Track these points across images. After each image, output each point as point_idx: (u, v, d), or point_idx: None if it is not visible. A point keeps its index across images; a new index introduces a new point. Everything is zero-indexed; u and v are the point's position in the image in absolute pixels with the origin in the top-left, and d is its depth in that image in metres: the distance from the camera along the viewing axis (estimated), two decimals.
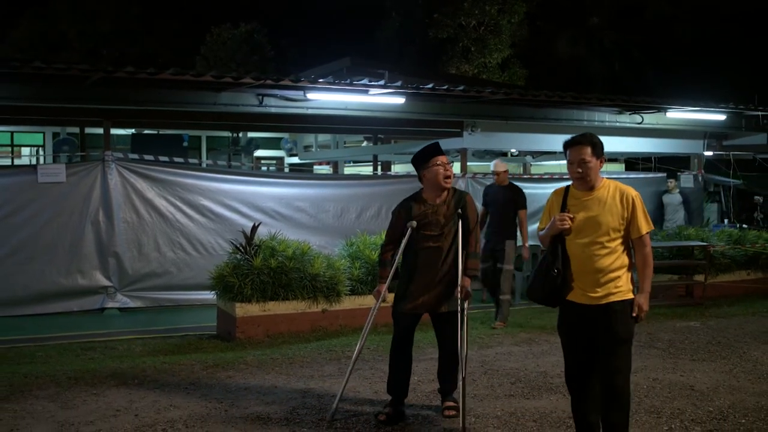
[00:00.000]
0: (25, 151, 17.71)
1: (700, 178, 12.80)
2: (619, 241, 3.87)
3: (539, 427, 4.59)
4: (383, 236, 8.36)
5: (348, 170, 17.37)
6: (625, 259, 3.89)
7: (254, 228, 7.42)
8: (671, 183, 12.71)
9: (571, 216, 3.90)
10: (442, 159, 4.75)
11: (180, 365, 6.07)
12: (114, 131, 13.76)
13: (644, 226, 3.90)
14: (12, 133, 16.34)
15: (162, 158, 9.15)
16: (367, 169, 17.24)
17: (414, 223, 4.71)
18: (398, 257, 4.83)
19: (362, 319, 7.51)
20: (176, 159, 9.38)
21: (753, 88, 15.75)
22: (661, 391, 5.35)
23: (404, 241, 4.76)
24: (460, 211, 4.73)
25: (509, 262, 7.76)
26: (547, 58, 28.22)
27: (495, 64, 25.91)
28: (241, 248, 7.34)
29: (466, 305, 4.68)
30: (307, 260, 7.38)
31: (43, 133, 15.82)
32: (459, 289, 4.61)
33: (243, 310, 7.12)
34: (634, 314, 3.85)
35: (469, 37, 25.58)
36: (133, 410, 4.88)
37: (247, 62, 27.54)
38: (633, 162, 17.48)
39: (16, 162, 16.81)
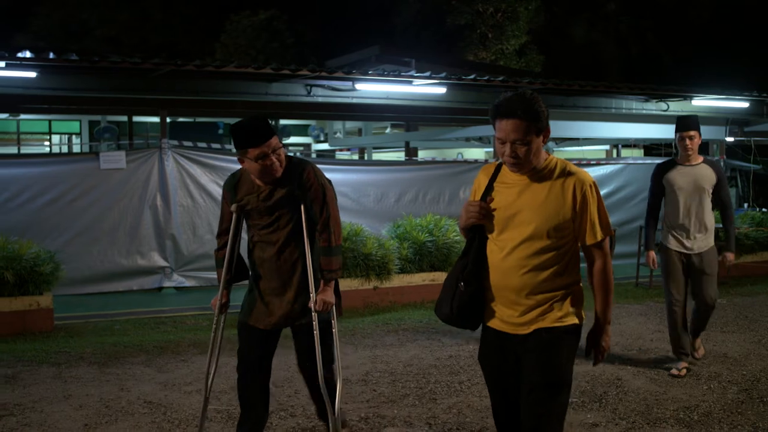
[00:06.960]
0: (55, 139, 18.19)
1: (722, 164, 13.22)
2: (561, 248, 2.71)
3: (591, 387, 5.09)
4: (428, 219, 8.64)
5: (374, 156, 17.81)
6: (567, 276, 2.73)
7: None
8: None
9: (486, 206, 2.73)
10: (259, 151, 3.37)
11: None
12: (150, 119, 14.30)
13: (599, 229, 2.70)
14: (50, 121, 16.83)
15: (214, 145, 9.67)
16: (393, 156, 17.70)
17: (234, 206, 3.61)
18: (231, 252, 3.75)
19: (410, 296, 8.05)
20: (226, 146, 9.89)
21: None
22: (698, 358, 5.84)
23: (232, 231, 3.66)
24: (298, 192, 3.52)
25: None
26: (563, 44, 28.53)
27: (512, 51, 26.24)
28: None
29: (333, 319, 3.68)
30: (360, 241, 7.89)
31: (80, 121, 16.32)
32: (311, 297, 3.58)
33: None
34: (593, 359, 2.84)
35: (487, 24, 25.91)
36: (223, 374, 5.38)
37: (266, 49, 27.96)
38: (652, 147, 17.90)
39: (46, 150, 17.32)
